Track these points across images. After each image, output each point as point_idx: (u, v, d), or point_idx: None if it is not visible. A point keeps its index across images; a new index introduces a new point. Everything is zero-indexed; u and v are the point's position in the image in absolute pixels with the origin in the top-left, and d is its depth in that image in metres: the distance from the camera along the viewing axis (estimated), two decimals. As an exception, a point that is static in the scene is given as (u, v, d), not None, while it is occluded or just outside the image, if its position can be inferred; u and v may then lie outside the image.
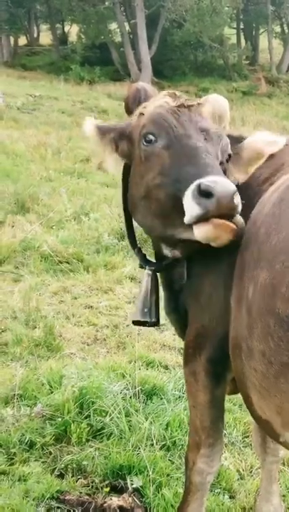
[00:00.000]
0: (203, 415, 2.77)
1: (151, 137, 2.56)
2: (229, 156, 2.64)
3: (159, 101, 2.69)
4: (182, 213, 2.34)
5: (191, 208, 2.29)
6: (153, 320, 3.06)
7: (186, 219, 2.32)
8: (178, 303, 2.93)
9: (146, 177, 2.58)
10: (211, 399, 2.74)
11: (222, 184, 2.27)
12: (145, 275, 3.04)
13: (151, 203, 2.56)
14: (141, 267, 3.05)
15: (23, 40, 43.94)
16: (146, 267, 2.99)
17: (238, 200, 2.31)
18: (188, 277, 2.75)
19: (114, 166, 2.82)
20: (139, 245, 3.07)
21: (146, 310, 3.04)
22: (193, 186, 2.28)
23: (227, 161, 2.63)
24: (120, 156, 2.79)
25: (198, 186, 2.26)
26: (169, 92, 2.75)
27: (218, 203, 2.24)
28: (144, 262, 3.01)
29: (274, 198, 2.27)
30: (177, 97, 2.70)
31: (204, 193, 2.25)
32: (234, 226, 2.32)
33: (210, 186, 2.24)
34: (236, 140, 2.73)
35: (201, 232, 2.32)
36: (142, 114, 2.72)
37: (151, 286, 3.02)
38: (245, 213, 2.43)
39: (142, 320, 3.03)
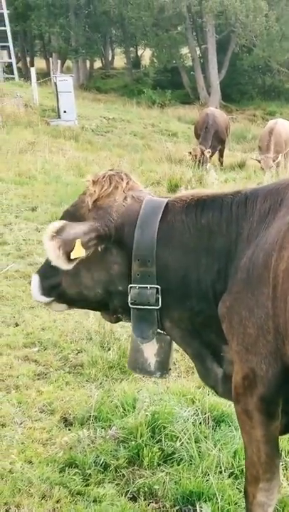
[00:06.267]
0: (259, 451, 2.84)
1: None
2: None
3: None
4: None
5: None
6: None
7: None
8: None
9: None
10: (265, 435, 2.80)
11: None
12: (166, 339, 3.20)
13: None
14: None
15: (98, 64, 45.09)
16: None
17: None
18: (229, 322, 2.78)
19: None
20: None
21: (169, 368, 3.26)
22: None
23: None
24: None
25: None
26: None
27: None
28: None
29: None
30: None
31: None
32: None
33: None
34: None
35: None
36: None
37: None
38: (275, 215, 2.60)
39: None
